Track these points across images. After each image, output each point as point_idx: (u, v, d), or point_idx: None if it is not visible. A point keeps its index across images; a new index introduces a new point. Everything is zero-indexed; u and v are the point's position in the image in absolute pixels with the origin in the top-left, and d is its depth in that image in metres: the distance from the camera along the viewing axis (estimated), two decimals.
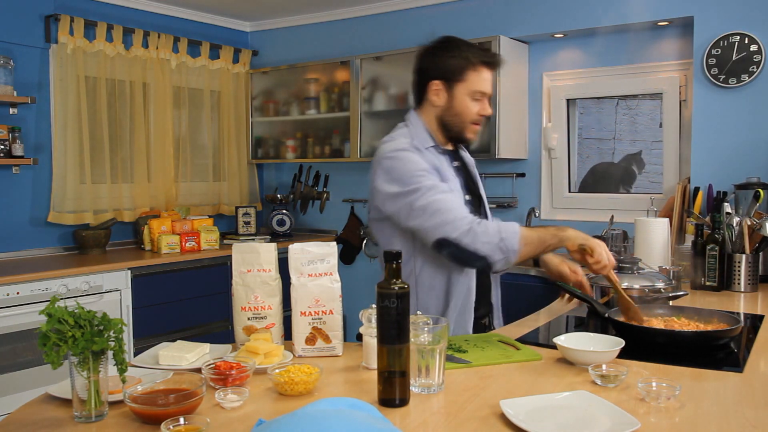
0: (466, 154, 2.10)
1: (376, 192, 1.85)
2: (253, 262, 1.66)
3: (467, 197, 1.95)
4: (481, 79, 1.87)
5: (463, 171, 2.00)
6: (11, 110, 3.60)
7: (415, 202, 1.76)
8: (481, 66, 1.86)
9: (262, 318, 1.65)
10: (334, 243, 1.67)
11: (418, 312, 1.50)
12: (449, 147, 2.01)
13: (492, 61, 1.89)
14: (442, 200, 1.75)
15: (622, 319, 1.80)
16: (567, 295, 2.09)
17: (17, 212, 3.70)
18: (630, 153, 3.81)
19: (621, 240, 3.33)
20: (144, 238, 3.97)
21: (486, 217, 2.04)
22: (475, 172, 2.09)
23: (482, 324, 2.03)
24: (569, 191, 3.85)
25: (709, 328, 1.73)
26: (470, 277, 1.94)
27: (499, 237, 1.72)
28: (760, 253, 2.56)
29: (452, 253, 1.77)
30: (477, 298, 1.96)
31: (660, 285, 2.06)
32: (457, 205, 1.78)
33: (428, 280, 1.91)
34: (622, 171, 3.83)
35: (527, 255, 1.79)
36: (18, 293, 3.07)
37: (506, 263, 1.77)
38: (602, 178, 3.85)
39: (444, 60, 1.87)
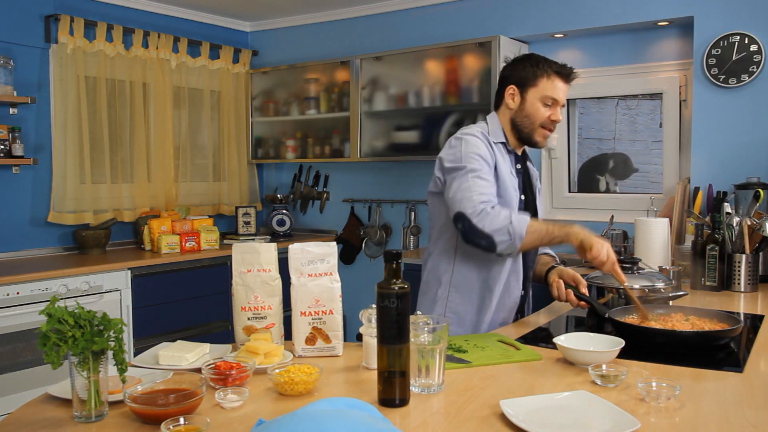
0: (532, 167, 2.23)
1: (438, 161, 2.04)
2: (253, 262, 1.66)
3: (522, 197, 2.08)
4: (553, 86, 2.02)
5: (524, 175, 2.13)
6: (11, 110, 3.60)
7: (456, 178, 1.95)
8: (554, 75, 2.02)
9: (262, 318, 1.65)
10: (334, 243, 1.67)
11: (418, 312, 1.50)
12: (518, 150, 2.13)
13: (566, 72, 2.04)
14: (476, 183, 1.92)
15: (622, 319, 1.80)
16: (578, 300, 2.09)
17: (17, 212, 3.70)
18: (619, 152, 3.82)
19: (621, 240, 3.33)
20: (144, 238, 3.97)
21: None
22: (536, 184, 2.22)
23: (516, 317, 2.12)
24: (569, 191, 3.86)
25: (709, 328, 1.73)
26: (508, 268, 2.05)
27: (509, 221, 1.86)
28: (760, 253, 2.56)
29: (463, 229, 1.90)
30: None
31: (660, 285, 2.06)
32: (485, 190, 1.91)
33: (469, 262, 2.05)
34: (614, 161, 3.83)
35: (533, 243, 1.91)
36: (18, 293, 3.07)
37: (510, 246, 1.88)
38: (596, 165, 3.85)
39: (522, 68, 2.05)
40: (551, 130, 2.07)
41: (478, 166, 1.94)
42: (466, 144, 1.98)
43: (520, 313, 2.15)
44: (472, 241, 1.90)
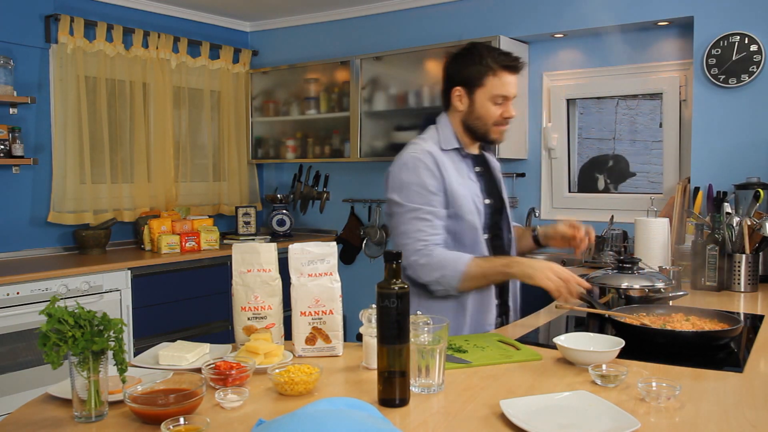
0: (492, 159, 2.16)
1: (385, 188, 1.98)
2: (253, 262, 1.65)
3: (487, 201, 2.01)
4: (501, 83, 1.91)
5: (485, 176, 2.06)
6: (11, 110, 3.60)
7: (395, 215, 1.92)
8: (500, 71, 1.91)
9: (262, 318, 1.65)
10: (334, 243, 1.67)
11: (418, 312, 1.50)
12: (475, 151, 2.06)
13: (512, 65, 1.93)
14: (411, 226, 1.88)
15: (622, 318, 1.80)
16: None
17: (17, 212, 3.70)
18: (618, 154, 3.82)
19: (621, 240, 3.33)
20: (144, 238, 3.97)
21: (507, 220, 2.10)
22: (499, 176, 2.15)
23: (498, 322, 2.07)
24: (569, 191, 3.85)
25: (709, 328, 1.73)
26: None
27: (441, 273, 1.84)
28: (760, 253, 2.55)
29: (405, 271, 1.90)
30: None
31: (660, 285, 2.06)
32: (422, 236, 1.87)
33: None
34: (612, 163, 3.84)
35: (470, 289, 1.90)
36: (18, 293, 3.07)
37: (445, 293, 1.89)
38: (597, 165, 3.86)
39: (465, 67, 1.93)
40: (506, 125, 1.97)
41: (416, 204, 1.88)
42: (407, 175, 1.90)
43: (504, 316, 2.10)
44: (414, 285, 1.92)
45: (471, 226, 1.93)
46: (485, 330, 1.98)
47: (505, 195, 2.14)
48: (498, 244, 2.03)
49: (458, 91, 1.95)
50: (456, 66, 1.96)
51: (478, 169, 2.03)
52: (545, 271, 1.78)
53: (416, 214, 1.88)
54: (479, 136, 1.99)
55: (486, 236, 1.98)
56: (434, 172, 1.90)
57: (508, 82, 1.92)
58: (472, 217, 1.93)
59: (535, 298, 2.27)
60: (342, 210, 4.60)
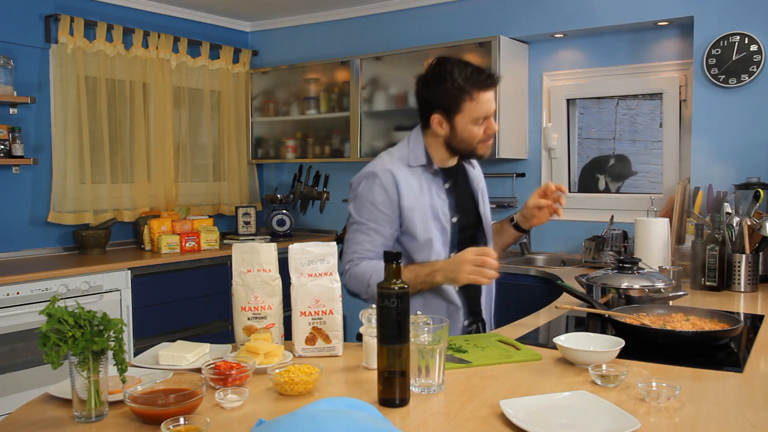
0: (473, 169, 2.11)
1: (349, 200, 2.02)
2: (253, 262, 1.65)
3: (454, 219, 1.95)
4: (479, 105, 1.84)
5: (457, 192, 2.00)
6: (11, 110, 3.60)
7: (348, 226, 1.97)
8: (476, 92, 1.84)
9: (262, 318, 1.65)
10: (334, 243, 1.67)
11: (418, 312, 1.50)
12: (450, 164, 2.00)
13: (487, 83, 1.85)
14: (352, 237, 1.93)
15: (622, 318, 1.80)
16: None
17: (17, 212, 3.70)
18: (619, 154, 3.82)
19: (621, 240, 3.33)
20: (144, 238, 3.97)
21: (484, 235, 2.05)
22: (477, 188, 2.08)
23: (468, 330, 2.02)
24: (569, 191, 3.85)
25: (709, 328, 1.73)
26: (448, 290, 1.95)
27: (366, 284, 1.85)
28: (760, 253, 2.55)
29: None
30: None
31: (660, 285, 2.06)
32: (357, 248, 1.91)
33: None
34: (615, 162, 3.83)
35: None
36: (18, 293, 3.07)
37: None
38: (597, 165, 3.85)
39: (439, 92, 1.86)
40: (491, 138, 1.93)
41: (364, 219, 1.90)
42: (361, 188, 1.93)
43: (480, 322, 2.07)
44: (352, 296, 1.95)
45: (425, 246, 1.89)
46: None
47: (485, 209, 2.08)
48: None
49: (437, 118, 1.88)
50: (429, 92, 1.90)
51: (447, 185, 1.97)
52: (463, 267, 1.75)
53: (360, 228, 1.92)
54: (465, 155, 1.97)
55: (452, 254, 1.92)
56: (388, 191, 1.88)
57: (485, 101, 1.85)
58: (427, 236, 1.89)
59: (535, 298, 2.27)
60: (342, 210, 4.59)
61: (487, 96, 1.86)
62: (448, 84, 1.84)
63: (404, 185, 1.89)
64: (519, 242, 3.76)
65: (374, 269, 1.84)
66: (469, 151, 1.94)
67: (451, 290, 1.94)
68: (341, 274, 1.83)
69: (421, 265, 1.87)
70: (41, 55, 3.75)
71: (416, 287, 1.84)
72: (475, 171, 2.12)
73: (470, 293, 2.00)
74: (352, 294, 1.93)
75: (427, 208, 1.91)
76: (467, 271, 1.75)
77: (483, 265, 1.74)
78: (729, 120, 3.12)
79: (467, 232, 2.00)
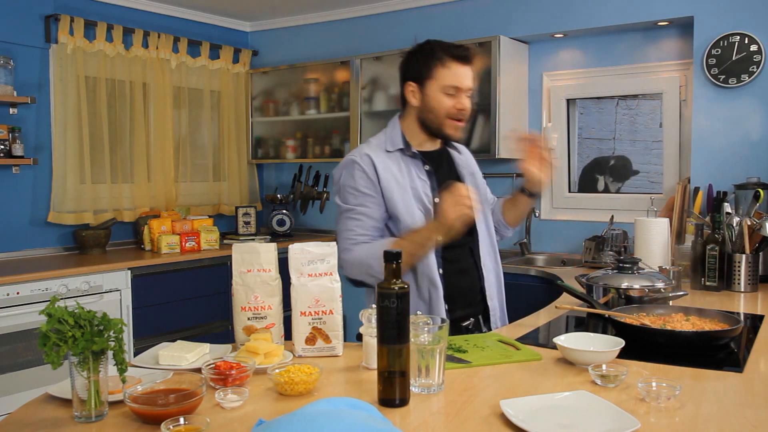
0: (459, 155, 2.10)
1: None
2: (253, 262, 1.65)
3: (436, 200, 1.92)
4: (451, 73, 1.88)
5: (439, 174, 2.00)
6: (11, 110, 3.60)
7: (337, 215, 1.96)
8: (449, 61, 1.88)
9: (262, 318, 1.65)
10: (334, 243, 1.67)
11: (418, 312, 1.50)
12: (430, 148, 2.01)
13: (461, 55, 1.90)
14: (342, 225, 1.92)
15: (622, 318, 1.80)
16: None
17: (17, 212, 3.70)
18: (620, 155, 3.82)
19: (621, 240, 3.33)
20: (144, 238, 3.97)
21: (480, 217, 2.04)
22: (463, 171, 2.08)
23: (464, 327, 2.00)
24: (569, 191, 3.86)
25: (709, 328, 1.73)
26: (432, 273, 1.93)
27: (368, 265, 1.83)
28: (760, 253, 2.56)
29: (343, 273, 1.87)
30: (453, 299, 1.95)
31: (660, 285, 2.06)
32: (350, 235, 1.89)
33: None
34: (617, 163, 3.83)
35: (410, 264, 1.86)
36: (18, 293, 3.07)
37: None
38: (598, 166, 3.86)
39: (416, 61, 1.93)
40: (461, 120, 1.93)
41: (350, 205, 1.91)
42: (343, 177, 1.94)
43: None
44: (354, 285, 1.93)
45: (407, 227, 1.89)
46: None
47: (477, 187, 2.05)
48: (459, 243, 1.94)
49: (411, 86, 1.94)
50: (408, 62, 1.96)
51: (428, 167, 1.99)
52: (447, 213, 1.72)
53: (348, 215, 1.91)
54: (434, 131, 1.96)
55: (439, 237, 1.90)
56: (368, 174, 1.90)
57: (458, 73, 1.89)
58: (411, 218, 1.89)
59: (535, 298, 2.27)
60: None
61: (461, 69, 1.89)
62: (425, 52, 1.91)
63: (382, 168, 1.91)
64: (519, 242, 3.76)
65: (369, 251, 1.83)
66: (437, 126, 1.94)
67: (434, 271, 1.92)
68: (340, 267, 1.81)
69: (414, 231, 1.85)
70: (41, 55, 3.75)
71: (416, 253, 1.83)
72: (463, 156, 2.13)
73: (466, 282, 1.99)
74: (356, 283, 1.90)
75: (408, 189, 1.92)
76: (452, 213, 1.72)
77: (459, 201, 1.72)
78: (729, 120, 3.12)
79: None
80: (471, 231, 2.00)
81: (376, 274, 1.78)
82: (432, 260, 1.92)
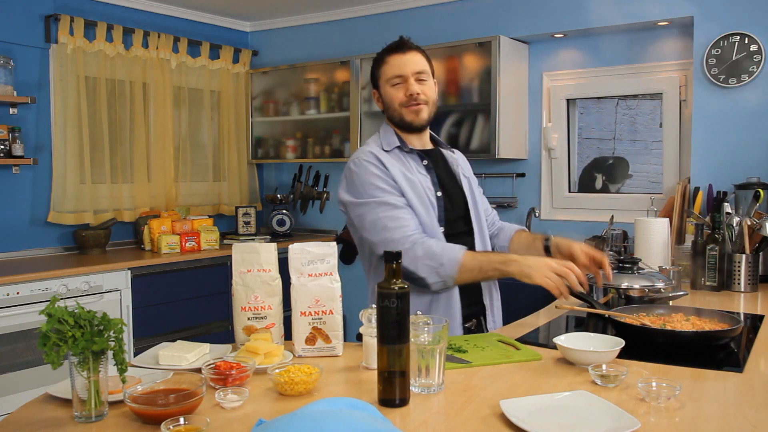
0: (452, 155, 2.14)
1: (338, 198, 2.00)
2: (253, 262, 1.65)
3: (438, 194, 1.98)
4: (391, 66, 1.97)
5: (437, 169, 2.04)
6: (11, 110, 3.60)
7: (367, 216, 1.88)
8: (386, 56, 1.98)
9: (262, 318, 1.65)
10: (334, 243, 1.67)
11: (418, 312, 1.50)
12: (425, 147, 2.06)
13: (393, 46, 1.98)
14: (390, 217, 1.85)
15: (622, 318, 1.80)
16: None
17: (17, 212, 3.70)
18: (618, 156, 3.82)
19: (621, 240, 3.33)
20: (144, 238, 3.97)
21: (477, 215, 2.05)
22: (457, 170, 2.10)
23: (467, 328, 2.00)
24: (569, 191, 3.85)
25: (709, 328, 1.73)
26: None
27: (439, 262, 1.81)
28: (760, 253, 2.56)
29: None
30: (461, 300, 1.96)
31: (660, 285, 2.06)
32: (404, 223, 1.85)
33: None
34: (613, 164, 3.84)
35: (466, 281, 1.86)
36: (18, 293, 3.07)
37: (444, 286, 1.86)
38: (598, 166, 3.86)
39: (371, 71, 2.05)
40: (418, 104, 1.95)
41: (382, 198, 1.87)
42: (360, 174, 1.92)
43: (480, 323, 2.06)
44: (406, 279, 1.86)
45: (424, 219, 1.91)
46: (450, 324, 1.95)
47: (472, 188, 2.10)
48: (460, 241, 1.94)
49: (374, 94, 2.06)
50: (370, 76, 2.08)
51: (426, 162, 2.02)
52: (543, 270, 1.74)
53: (386, 208, 1.86)
54: (401, 125, 2.00)
55: (441, 229, 1.94)
56: (380, 168, 1.92)
57: (395, 64, 1.96)
58: (424, 212, 1.92)
59: (536, 299, 2.27)
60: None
61: (398, 59, 1.96)
62: (374, 60, 2.03)
63: (389, 164, 1.94)
64: None
65: (439, 245, 1.82)
66: (399, 118, 1.99)
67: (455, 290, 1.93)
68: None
69: (494, 252, 1.87)
70: (41, 55, 3.75)
71: (486, 273, 1.82)
72: (455, 155, 2.16)
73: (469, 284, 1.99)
74: (414, 278, 1.82)
75: (417, 183, 1.94)
76: (546, 275, 1.73)
77: (564, 276, 1.73)
78: (729, 120, 3.12)
79: (456, 210, 2.01)
80: (469, 231, 2.03)
81: (444, 274, 1.80)
82: None
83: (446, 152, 2.13)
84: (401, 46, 1.98)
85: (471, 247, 2.01)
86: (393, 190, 1.90)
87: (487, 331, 2.05)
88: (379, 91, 2.02)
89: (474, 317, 2.03)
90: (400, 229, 1.84)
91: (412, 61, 1.96)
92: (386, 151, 1.98)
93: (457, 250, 1.83)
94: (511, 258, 1.82)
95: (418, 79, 1.96)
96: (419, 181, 1.95)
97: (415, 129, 2.01)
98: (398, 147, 1.99)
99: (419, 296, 1.90)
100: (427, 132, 2.08)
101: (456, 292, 1.94)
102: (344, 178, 1.98)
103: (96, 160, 3.95)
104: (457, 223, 2.00)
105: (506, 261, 1.81)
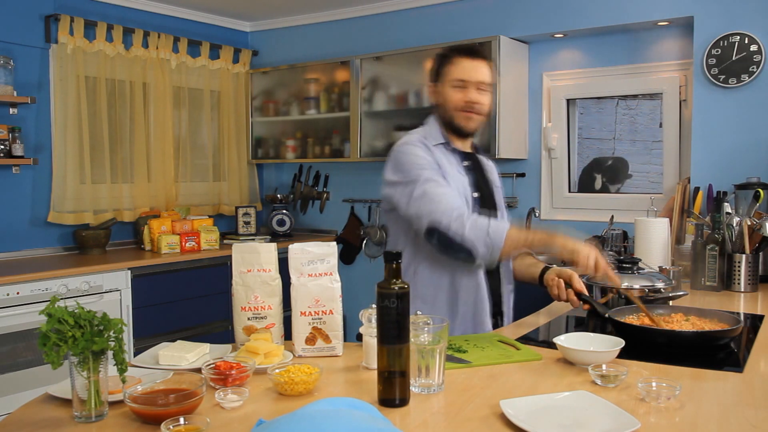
0: (487, 161, 2.20)
1: (383, 181, 1.99)
2: (253, 262, 1.65)
3: (475, 194, 2.02)
4: (457, 68, 1.98)
5: (474, 171, 2.08)
6: (11, 110, 3.60)
7: (414, 191, 1.88)
8: (455, 57, 1.99)
9: (262, 318, 1.65)
10: (334, 243, 1.67)
11: (418, 312, 1.50)
12: (465, 149, 2.09)
13: (466, 48, 2.00)
14: (439, 192, 1.87)
15: (622, 319, 1.80)
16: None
17: (17, 212, 3.70)
18: (617, 156, 3.82)
19: (621, 240, 3.33)
20: (144, 238, 3.97)
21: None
22: (492, 178, 2.17)
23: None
24: (569, 191, 3.85)
25: (709, 328, 1.73)
26: (477, 278, 1.98)
27: (486, 232, 1.81)
28: (760, 253, 2.56)
29: (440, 240, 1.85)
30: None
31: (660, 285, 2.06)
32: (451, 198, 1.88)
33: (430, 279, 1.98)
34: (615, 164, 3.83)
35: (511, 255, 1.91)
36: (18, 293, 3.07)
37: (490, 257, 1.84)
38: (598, 166, 3.86)
39: (432, 64, 2.07)
40: (474, 112, 1.98)
41: (429, 174, 1.89)
42: (406, 155, 1.94)
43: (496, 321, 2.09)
44: (450, 253, 1.86)
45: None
46: (478, 328, 1.98)
47: (499, 198, 2.16)
48: None
49: (430, 88, 2.07)
50: (430, 66, 2.10)
51: (466, 163, 2.06)
52: (591, 251, 1.78)
53: (433, 184, 1.88)
54: (450, 126, 2.03)
55: None
56: (427, 152, 1.96)
57: (464, 67, 1.97)
58: (463, 203, 1.95)
59: (535, 298, 2.27)
60: (342, 210, 4.59)
61: (467, 63, 1.98)
62: (439, 54, 2.05)
63: (435, 154, 1.97)
64: None
65: (485, 218, 1.85)
66: (449, 118, 2.01)
67: (483, 284, 1.98)
68: (446, 229, 1.80)
69: (538, 230, 1.89)
70: (41, 55, 3.75)
71: (533, 243, 1.85)
72: (490, 163, 2.21)
73: (493, 286, 2.04)
74: (461, 249, 1.82)
75: (457, 178, 1.98)
76: (588, 257, 1.77)
77: (602, 271, 1.78)
78: (729, 120, 3.12)
79: (484, 212, 2.03)
80: None
81: (492, 244, 1.80)
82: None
83: (483, 159, 2.18)
84: (473, 51, 2.00)
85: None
86: (438, 172, 1.93)
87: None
88: (437, 87, 2.03)
89: (492, 317, 2.07)
90: (447, 202, 1.85)
91: (479, 70, 1.98)
92: (429, 147, 2.01)
93: (504, 223, 1.86)
94: (556, 235, 1.85)
95: (480, 88, 1.99)
96: (460, 179, 1.99)
97: (463, 135, 2.06)
98: (442, 143, 2.02)
99: (448, 305, 1.96)
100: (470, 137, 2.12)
101: (484, 294, 1.98)
102: (390, 161, 1.99)
103: (96, 160, 3.95)
104: None
105: (552, 235, 1.85)
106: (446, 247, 1.85)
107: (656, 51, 3.49)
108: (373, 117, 4.16)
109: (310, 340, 1.62)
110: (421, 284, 1.97)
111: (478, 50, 2.01)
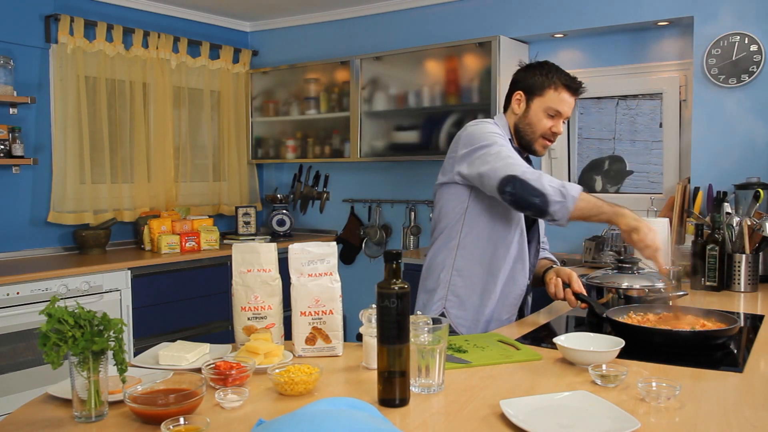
0: None
1: (454, 153, 2.03)
2: (253, 262, 1.66)
3: None
4: (559, 98, 2.02)
5: None
6: (11, 110, 3.60)
7: (490, 150, 1.94)
8: (562, 87, 2.03)
9: (262, 318, 1.65)
10: (334, 243, 1.67)
11: (418, 312, 1.50)
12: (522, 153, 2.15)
13: (574, 86, 2.04)
14: (513, 155, 1.94)
15: (622, 319, 1.80)
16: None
17: (17, 212, 3.70)
18: (614, 155, 3.82)
19: (621, 240, 3.33)
20: (144, 238, 3.97)
21: (538, 233, 2.17)
22: None
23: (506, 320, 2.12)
24: None
25: (709, 327, 1.73)
26: (514, 262, 2.05)
27: (562, 183, 1.85)
28: (760, 253, 2.56)
29: (515, 190, 1.85)
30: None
31: (660, 285, 2.06)
32: (522, 162, 1.92)
33: (471, 255, 2.04)
34: (615, 163, 3.83)
35: (582, 213, 1.85)
36: (18, 293, 3.07)
37: (563, 209, 1.82)
38: (597, 166, 3.85)
39: (532, 75, 2.06)
40: (552, 141, 2.08)
41: (504, 143, 1.97)
42: (482, 129, 2.00)
43: (520, 313, 2.15)
44: (525, 201, 1.84)
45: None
46: (511, 301, 2.07)
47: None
48: (523, 248, 2.07)
49: (519, 95, 2.07)
50: (524, 74, 2.09)
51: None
52: (651, 229, 1.79)
53: (509, 149, 1.94)
54: (525, 143, 2.09)
55: (522, 224, 2.05)
56: (503, 135, 2.02)
57: (564, 100, 2.03)
58: None
59: (535, 299, 2.27)
60: (342, 210, 4.60)
61: (569, 98, 2.04)
62: (543, 71, 2.05)
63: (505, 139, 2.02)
64: None
65: (551, 179, 1.87)
66: (529, 139, 2.07)
67: (520, 272, 2.06)
68: (523, 174, 1.83)
69: (604, 201, 1.90)
70: (41, 55, 3.75)
71: (600, 213, 1.86)
72: None
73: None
74: (537, 195, 1.83)
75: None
76: (648, 237, 1.77)
77: (656, 250, 1.79)
78: (729, 120, 3.12)
79: (531, 220, 2.11)
80: (530, 240, 2.11)
81: (567, 194, 1.81)
82: (526, 255, 2.06)
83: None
84: (578, 89, 2.05)
85: (531, 260, 2.12)
86: (511, 149, 1.98)
87: None
88: (528, 101, 2.05)
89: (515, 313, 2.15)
90: (521, 161, 1.91)
91: (572, 106, 2.07)
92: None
93: (569, 185, 1.88)
94: (623, 207, 1.86)
95: (563, 121, 2.06)
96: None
97: (530, 154, 2.12)
98: (509, 140, 2.07)
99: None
100: None
101: (522, 283, 2.08)
102: (462, 138, 2.03)
103: (96, 160, 3.95)
104: (530, 231, 2.10)
105: (619, 206, 1.86)
106: (522, 194, 1.84)
107: (656, 51, 3.49)
108: (373, 117, 4.16)
109: (310, 340, 1.62)
110: (460, 258, 2.04)
111: (581, 88, 2.06)
